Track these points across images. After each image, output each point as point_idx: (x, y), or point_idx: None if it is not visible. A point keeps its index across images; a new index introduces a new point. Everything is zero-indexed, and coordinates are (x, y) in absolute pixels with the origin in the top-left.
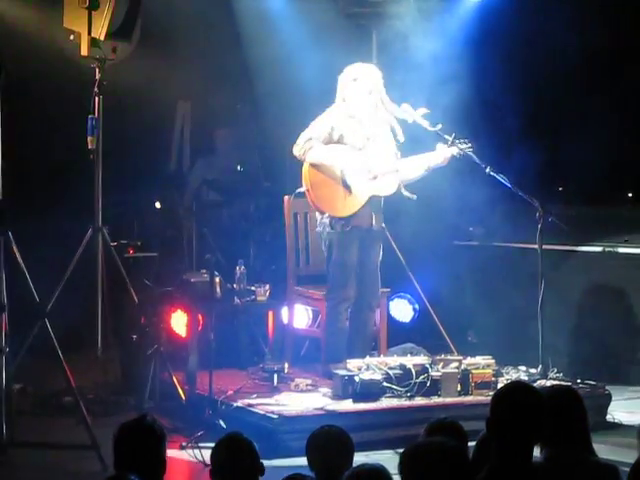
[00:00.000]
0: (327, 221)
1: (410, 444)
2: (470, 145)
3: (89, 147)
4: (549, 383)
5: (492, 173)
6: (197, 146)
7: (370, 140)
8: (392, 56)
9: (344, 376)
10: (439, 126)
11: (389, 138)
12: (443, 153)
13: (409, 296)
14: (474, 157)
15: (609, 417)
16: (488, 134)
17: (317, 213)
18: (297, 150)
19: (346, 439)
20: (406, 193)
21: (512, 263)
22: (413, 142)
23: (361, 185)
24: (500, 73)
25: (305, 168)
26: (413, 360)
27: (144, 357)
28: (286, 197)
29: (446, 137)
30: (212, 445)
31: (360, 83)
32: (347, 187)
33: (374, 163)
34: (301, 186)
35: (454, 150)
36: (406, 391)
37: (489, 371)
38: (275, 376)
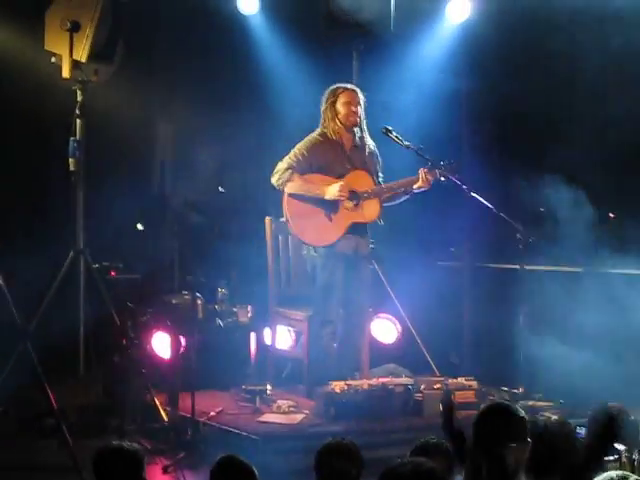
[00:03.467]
0: (311, 246)
1: (387, 466)
2: (453, 163)
3: (71, 169)
4: (531, 403)
5: (475, 195)
6: (180, 167)
7: (351, 165)
8: (374, 77)
9: (326, 397)
10: (418, 146)
11: (371, 162)
12: (425, 177)
13: (391, 317)
14: (456, 181)
15: None
16: (474, 154)
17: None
18: (275, 180)
19: (356, 451)
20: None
21: (495, 284)
22: (395, 167)
23: (340, 214)
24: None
25: (284, 199)
26: (395, 381)
27: (126, 379)
28: (267, 219)
29: (426, 158)
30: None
31: (341, 105)
32: (328, 214)
33: (355, 189)
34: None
35: (436, 174)
36: (388, 412)
37: (472, 392)
38: (257, 397)
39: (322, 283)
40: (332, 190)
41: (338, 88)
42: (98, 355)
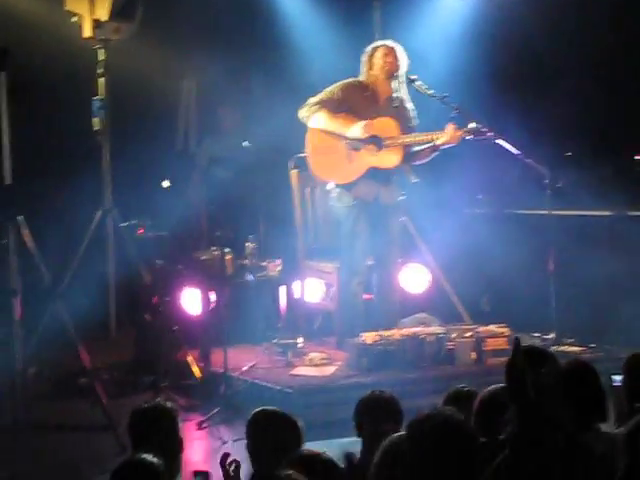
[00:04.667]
0: (335, 195)
1: (415, 416)
2: (480, 126)
3: (95, 128)
4: (562, 349)
5: (502, 142)
6: (204, 124)
7: (383, 113)
8: (395, 33)
9: (358, 348)
10: (443, 95)
11: (403, 116)
12: (453, 133)
13: (421, 265)
14: (484, 135)
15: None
16: (496, 102)
17: (327, 186)
18: (302, 112)
19: (396, 404)
20: (410, 175)
21: (523, 230)
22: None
23: (361, 155)
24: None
25: (308, 133)
26: (426, 330)
27: (158, 336)
28: (293, 171)
29: (453, 106)
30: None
31: (378, 58)
32: (349, 155)
33: (379, 135)
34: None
35: (464, 133)
36: (420, 361)
37: (503, 339)
38: (289, 351)
39: (346, 232)
40: (355, 129)
41: (378, 45)
42: (129, 314)
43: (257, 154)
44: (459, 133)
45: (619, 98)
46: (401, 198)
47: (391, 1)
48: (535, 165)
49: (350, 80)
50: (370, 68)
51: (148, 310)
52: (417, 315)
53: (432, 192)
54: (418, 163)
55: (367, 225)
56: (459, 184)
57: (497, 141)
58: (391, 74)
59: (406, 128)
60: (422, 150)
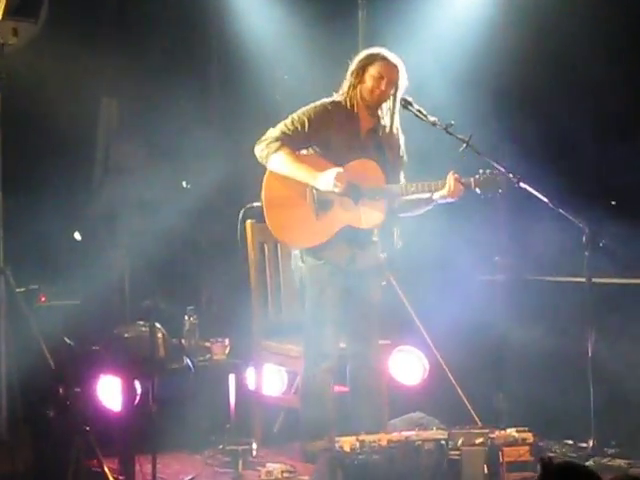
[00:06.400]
0: (297, 252)
1: None
2: (494, 174)
3: None
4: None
5: (526, 186)
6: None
7: (362, 152)
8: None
9: (331, 458)
10: (448, 123)
11: (392, 155)
12: (455, 185)
13: (416, 349)
14: (496, 189)
15: None
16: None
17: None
18: (259, 150)
19: None
20: (394, 238)
21: (552, 303)
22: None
23: (332, 212)
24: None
25: (265, 177)
26: (423, 435)
27: (64, 439)
28: (248, 222)
29: (459, 138)
30: None
31: (371, 76)
32: (317, 209)
33: (357, 183)
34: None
35: (470, 184)
36: (415, 476)
37: (526, 448)
38: (240, 460)
39: (311, 303)
40: (325, 178)
41: (378, 54)
42: (26, 409)
43: (200, 198)
44: (461, 187)
45: None
46: (383, 256)
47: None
48: (569, 217)
49: (324, 103)
50: (356, 85)
51: (51, 404)
52: (410, 414)
53: (432, 249)
54: (404, 216)
55: (338, 293)
56: (469, 241)
57: (520, 184)
58: (380, 103)
59: (393, 172)
60: (412, 201)
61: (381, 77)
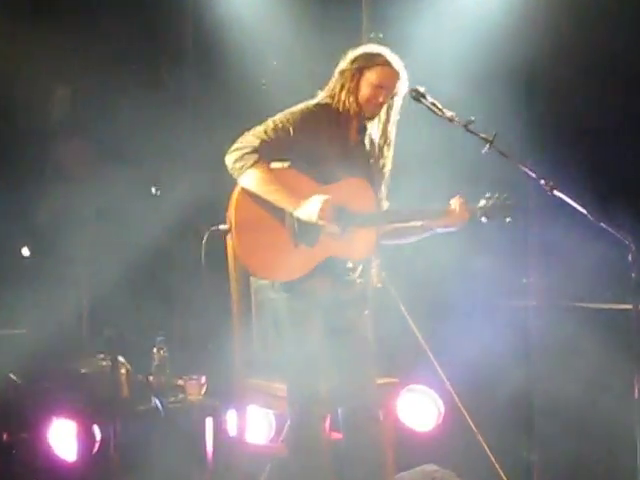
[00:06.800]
0: (267, 282)
1: None
2: (509, 201)
3: None
4: None
5: (559, 194)
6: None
7: (349, 165)
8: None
9: None
10: (468, 119)
11: (377, 169)
12: (460, 211)
13: (429, 390)
14: (508, 212)
15: None
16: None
17: None
18: (232, 159)
19: None
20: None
21: (592, 333)
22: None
23: (319, 239)
24: None
25: (235, 193)
26: None
27: None
28: (229, 237)
29: (482, 137)
30: None
31: (369, 83)
32: (296, 235)
33: (345, 206)
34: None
35: (476, 212)
36: None
37: None
38: None
39: (292, 340)
40: (309, 208)
41: (380, 56)
42: None
43: (174, 206)
44: (467, 215)
45: None
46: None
47: None
48: (613, 231)
49: (310, 108)
50: (350, 89)
51: None
52: (422, 467)
53: (448, 270)
54: (398, 243)
55: (321, 326)
56: (492, 260)
57: (554, 192)
58: (374, 116)
59: (379, 191)
60: (406, 227)
61: (380, 86)
